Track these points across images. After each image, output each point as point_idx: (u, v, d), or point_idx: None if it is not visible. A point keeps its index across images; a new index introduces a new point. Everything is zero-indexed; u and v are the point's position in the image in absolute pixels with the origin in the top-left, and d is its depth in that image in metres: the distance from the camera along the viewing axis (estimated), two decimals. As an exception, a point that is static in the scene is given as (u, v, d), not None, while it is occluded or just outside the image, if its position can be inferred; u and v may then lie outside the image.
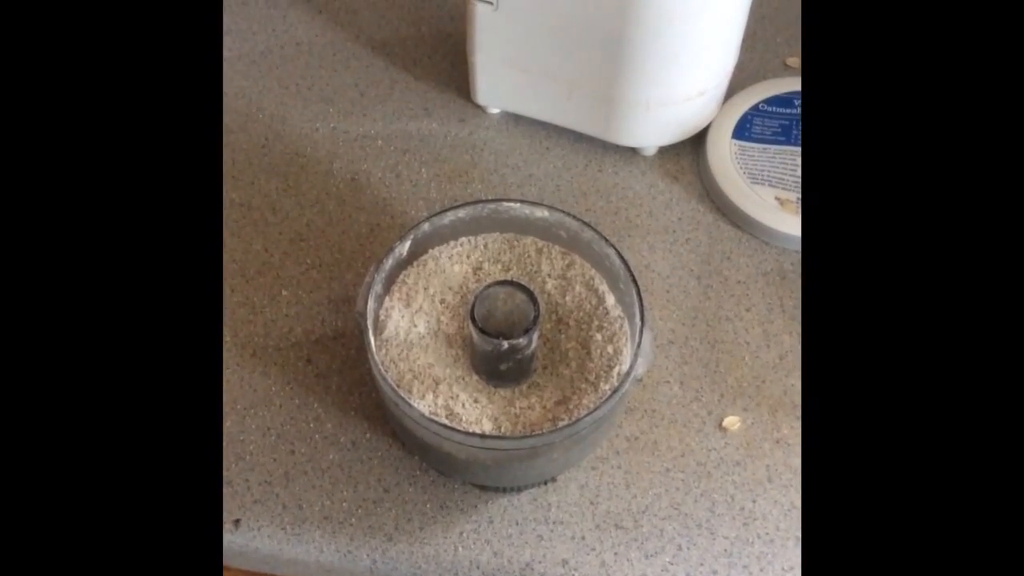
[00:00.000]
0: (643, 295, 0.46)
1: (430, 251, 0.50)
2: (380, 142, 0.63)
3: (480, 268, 0.50)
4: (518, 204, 0.50)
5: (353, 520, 0.49)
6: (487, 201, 0.50)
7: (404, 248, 0.49)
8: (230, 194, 0.61)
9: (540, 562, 0.48)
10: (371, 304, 0.47)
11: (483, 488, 0.50)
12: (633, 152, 0.63)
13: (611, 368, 0.47)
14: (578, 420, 0.44)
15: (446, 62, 0.67)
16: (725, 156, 0.61)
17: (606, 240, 0.48)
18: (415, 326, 0.48)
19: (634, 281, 0.47)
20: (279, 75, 0.67)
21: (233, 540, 0.49)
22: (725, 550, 0.49)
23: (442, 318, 0.49)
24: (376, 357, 0.46)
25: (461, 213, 0.50)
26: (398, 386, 0.46)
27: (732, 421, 0.52)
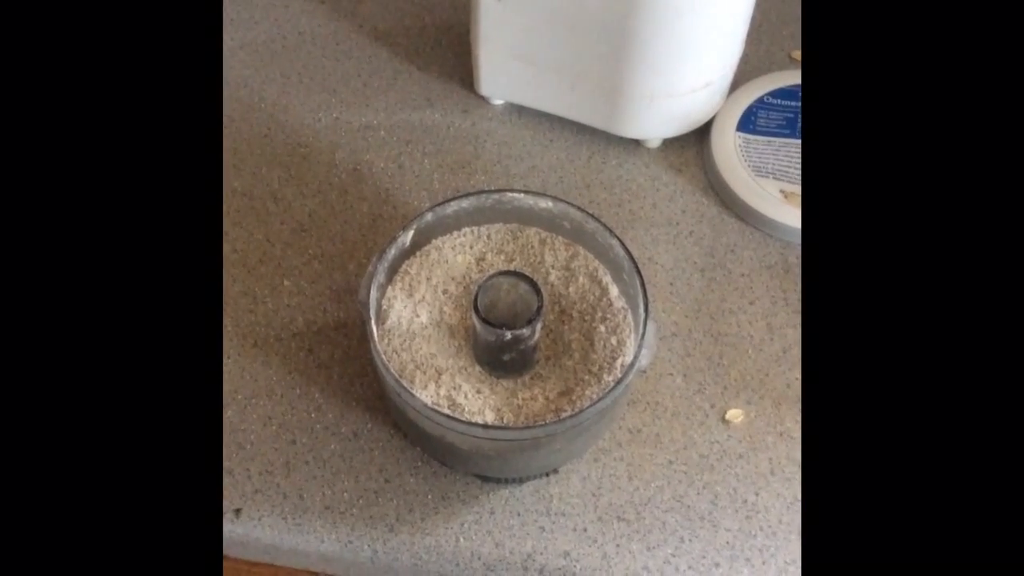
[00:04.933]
0: (646, 287, 0.46)
1: (433, 241, 0.50)
2: (383, 132, 0.63)
3: (483, 259, 0.50)
4: (522, 195, 0.49)
5: (354, 510, 0.49)
6: (491, 191, 0.50)
7: (407, 238, 0.48)
8: (232, 184, 0.60)
9: (542, 554, 0.48)
10: (373, 294, 0.46)
11: (485, 479, 0.50)
12: (637, 144, 0.63)
13: (614, 360, 0.47)
14: (581, 411, 0.43)
15: (449, 53, 0.67)
16: (729, 149, 0.61)
17: (610, 231, 0.48)
18: (418, 316, 0.48)
19: (638, 273, 0.46)
20: (281, 65, 0.66)
21: (234, 530, 0.49)
22: (727, 543, 0.49)
23: (445, 308, 0.49)
24: (378, 347, 0.45)
25: (464, 203, 0.49)
26: (400, 376, 0.46)
27: (735, 414, 0.52)
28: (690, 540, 0.49)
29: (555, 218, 0.50)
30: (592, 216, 0.48)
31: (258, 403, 0.52)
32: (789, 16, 0.70)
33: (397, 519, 0.49)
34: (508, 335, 0.44)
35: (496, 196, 0.50)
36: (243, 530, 0.49)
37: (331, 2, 0.70)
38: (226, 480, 0.50)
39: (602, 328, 0.48)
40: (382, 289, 0.48)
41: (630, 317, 0.48)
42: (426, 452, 0.50)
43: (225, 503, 0.49)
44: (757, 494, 0.50)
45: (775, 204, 0.58)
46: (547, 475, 0.50)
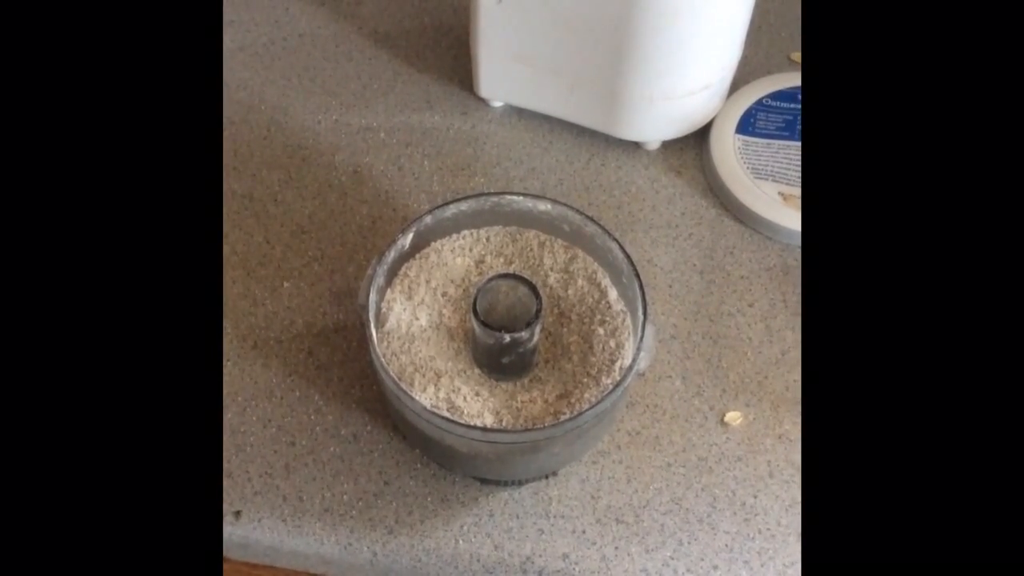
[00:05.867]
0: (645, 289, 0.46)
1: (432, 244, 0.50)
2: (382, 134, 0.63)
3: (482, 261, 0.50)
4: (521, 197, 0.50)
5: (354, 512, 0.49)
6: (490, 194, 0.50)
7: (406, 241, 0.48)
8: (232, 185, 0.60)
9: (540, 556, 0.48)
10: (373, 297, 0.46)
11: (484, 482, 0.50)
12: (636, 146, 0.63)
13: (613, 362, 0.47)
14: (580, 414, 0.43)
15: (449, 55, 0.67)
16: (729, 151, 0.61)
17: (609, 234, 0.48)
18: (417, 319, 0.48)
19: (637, 275, 0.46)
20: (281, 67, 0.66)
21: (234, 532, 0.49)
22: (726, 545, 0.49)
23: (444, 311, 0.49)
24: (378, 350, 0.45)
25: (464, 206, 0.49)
26: (400, 379, 0.46)
27: (734, 416, 0.52)
28: (689, 542, 0.49)
29: (554, 221, 0.50)
30: (591, 219, 0.48)
31: (258, 405, 0.52)
32: (788, 18, 0.70)
33: (396, 521, 0.49)
34: (507, 338, 0.44)
35: (495, 199, 0.50)
36: (243, 532, 0.49)
37: (331, 4, 0.70)
38: (226, 482, 0.50)
39: (601, 331, 0.48)
40: (381, 292, 0.48)
41: (629, 320, 0.48)
42: (425, 454, 0.50)
43: (225, 505, 0.49)
44: (756, 496, 0.50)
45: (774, 206, 0.58)
46: (546, 477, 0.50)
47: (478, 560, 0.48)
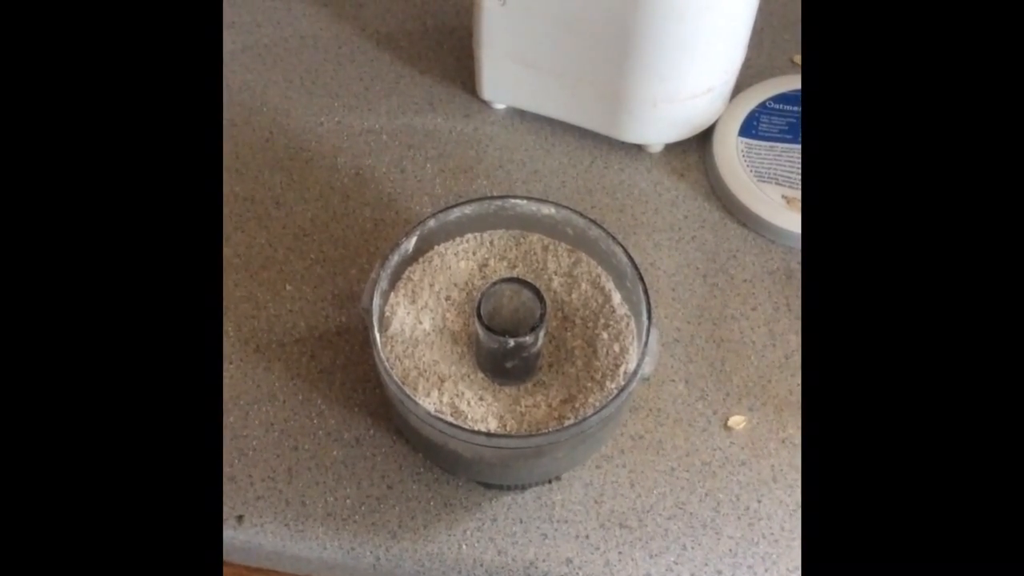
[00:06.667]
0: (649, 293, 0.46)
1: (436, 247, 0.50)
2: (385, 137, 0.63)
3: (486, 265, 0.50)
4: (525, 201, 0.49)
5: (356, 517, 0.49)
6: (494, 198, 0.50)
7: (410, 244, 0.48)
8: (234, 188, 0.60)
9: (544, 561, 0.48)
10: (376, 300, 0.46)
11: (487, 486, 0.50)
12: (639, 149, 0.63)
13: (617, 367, 0.47)
14: (584, 419, 0.43)
15: (452, 57, 0.67)
16: (732, 154, 0.61)
17: (613, 238, 0.48)
18: (420, 323, 0.48)
19: (641, 279, 0.46)
20: (284, 69, 0.66)
21: (236, 536, 0.49)
22: (730, 550, 0.49)
23: (448, 315, 0.49)
24: (381, 354, 0.45)
25: (467, 210, 0.49)
26: (403, 383, 0.46)
27: (737, 420, 0.52)
28: (692, 548, 0.49)
29: (558, 224, 0.50)
30: (595, 222, 0.48)
31: (260, 409, 0.52)
32: (791, 20, 0.70)
33: (399, 526, 0.49)
34: (511, 342, 0.44)
35: (499, 202, 0.50)
36: (245, 537, 0.49)
37: (333, 6, 0.70)
38: (228, 487, 0.50)
39: (605, 335, 0.48)
40: (385, 295, 0.48)
41: (633, 324, 0.48)
42: (428, 459, 0.50)
43: (227, 510, 0.49)
44: (759, 501, 0.50)
45: (777, 209, 0.58)
46: (550, 482, 0.50)
47: (481, 565, 0.48)
